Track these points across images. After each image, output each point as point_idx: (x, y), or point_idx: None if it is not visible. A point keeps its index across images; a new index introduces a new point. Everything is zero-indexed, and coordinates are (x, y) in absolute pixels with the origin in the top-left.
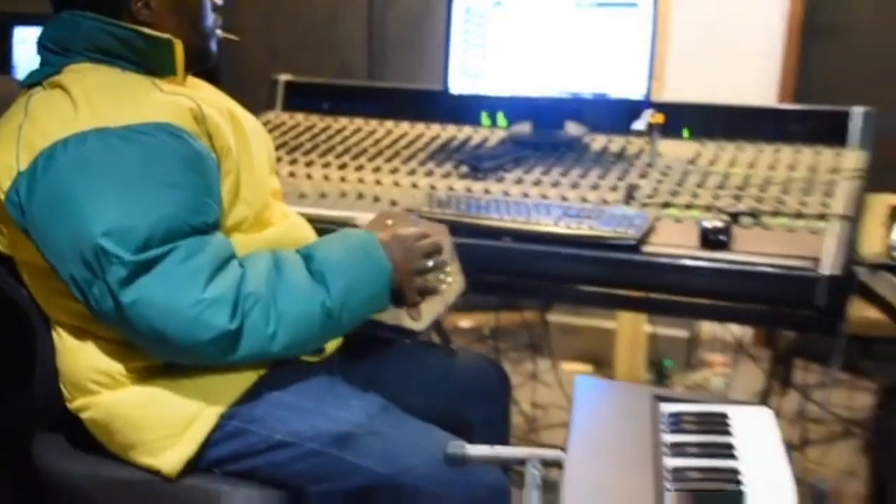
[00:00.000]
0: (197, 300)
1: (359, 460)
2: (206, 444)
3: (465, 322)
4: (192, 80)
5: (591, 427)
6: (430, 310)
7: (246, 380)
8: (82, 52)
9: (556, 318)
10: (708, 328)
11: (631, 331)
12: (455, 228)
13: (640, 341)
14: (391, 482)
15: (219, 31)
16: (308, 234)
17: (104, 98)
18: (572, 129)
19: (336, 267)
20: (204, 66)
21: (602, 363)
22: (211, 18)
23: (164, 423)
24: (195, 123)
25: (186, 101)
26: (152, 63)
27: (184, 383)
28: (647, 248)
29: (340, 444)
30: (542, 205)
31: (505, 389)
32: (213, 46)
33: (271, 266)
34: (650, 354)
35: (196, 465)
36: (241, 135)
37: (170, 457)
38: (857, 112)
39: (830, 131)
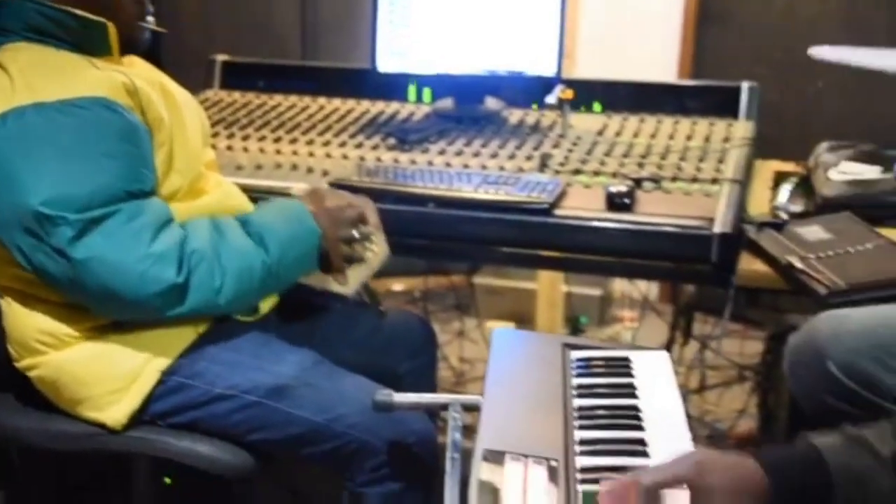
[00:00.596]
0: (144, 255)
1: (294, 410)
2: (150, 399)
3: (398, 286)
4: (127, 58)
5: (507, 374)
6: (356, 275)
7: (186, 338)
8: (19, 32)
9: (481, 280)
10: (619, 287)
11: (549, 290)
12: (383, 196)
13: (558, 300)
14: (324, 430)
15: (150, 19)
16: (242, 203)
17: (40, 74)
18: (491, 103)
19: (272, 229)
20: (134, 51)
21: (524, 321)
22: (139, 6)
23: (109, 380)
24: (128, 97)
25: (120, 76)
26: (86, 43)
27: (127, 342)
28: (558, 212)
29: (276, 396)
30: (464, 173)
31: (431, 343)
32: (144, 34)
33: (212, 229)
34: (567, 312)
35: (140, 418)
36: (174, 108)
37: (115, 411)
38: (746, 87)
39: (723, 105)
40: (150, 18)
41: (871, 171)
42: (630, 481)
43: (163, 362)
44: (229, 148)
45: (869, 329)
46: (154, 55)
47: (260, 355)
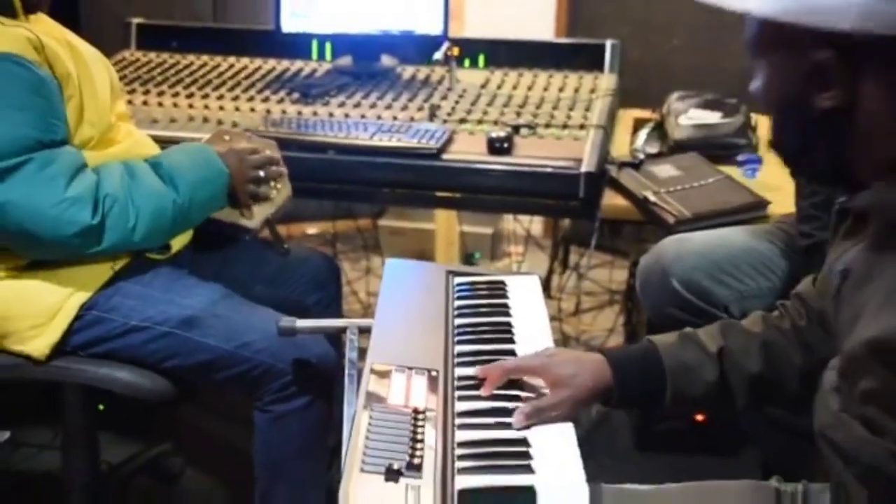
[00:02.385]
0: (60, 200)
1: (203, 339)
2: (70, 332)
3: (311, 229)
4: (34, 17)
5: (397, 299)
6: (262, 211)
7: (102, 275)
8: None
9: (385, 222)
10: (508, 225)
11: (446, 230)
12: (287, 145)
13: (454, 238)
14: (232, 356)
15: None
16: (151, 151)
17: None
18: (386, 60)
19: (182, 171)
20: (38, 9)
21: (425, 257)
22: None
23: (31, 315)
24: (36, 53)
25: (26, 32)
26: None
27: (47, 280)
28: (446, 156)
29: (187, 326)
30: (360, 123)
31: (335, 277)
32: None
33: (124, 172)
34: (462, 249)
35: (62, 349)
36: (81, 63)
37: (38, 343)
38: (609, 45)
39: (590, 60)
40: None
41: (713, 117)
42: (497, 365)
43: (81, 297)
44: (145, 103)
45: (706, 250)
46: (73, 18)
47: (171, 290)
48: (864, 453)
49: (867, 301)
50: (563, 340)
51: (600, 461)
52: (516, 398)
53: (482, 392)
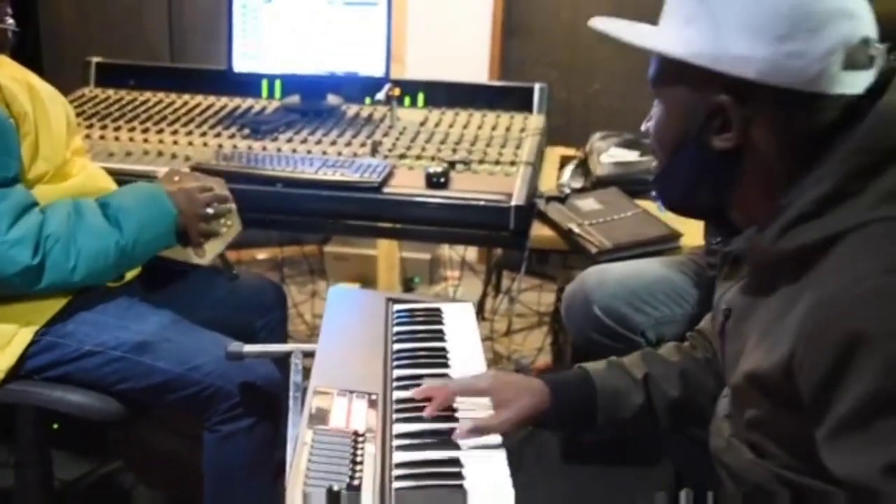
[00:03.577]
0: (2, 240)
1: (155, 362)
2: (25, 356)
3: (261, 255)
4: None
5: (340, 325)
6: (213, 248)
7: (58, 302)
8: None
9: (330, 249)
10: (445, 251)
11: (388, 256)
12: (238, 178)
13: (395, 264)
14: (183, 378)
15: (10, 21)
16: (107, 185)
17: None
18: (332, 99)
19: (128, 211)
20: (4, 52)
21: (367, 282)
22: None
23: None
24: None
25: None
26: None
27: (3, 306)
28: (386, 190)
29: (139, 350)
30: (307, 158)
31: (281, 302)
32: (8, 36)
33: (71, 211)
34: (403, 274)
35: (17, 373)
36: (39, 102)
37: None
38: (538, 87)
39: (521, 101)
40: (9, 21)
41: (631, 155)
42: (441, 386)
43: (37, 324)
44: (102, 138)
45: (625, 279)
46: (36, 57)
47: (124, 316)
48: (752, 475)
49: (747, 337)
50: (495, 359)
51: (529, 472)
52: (451, 419)
53: (425, 413)
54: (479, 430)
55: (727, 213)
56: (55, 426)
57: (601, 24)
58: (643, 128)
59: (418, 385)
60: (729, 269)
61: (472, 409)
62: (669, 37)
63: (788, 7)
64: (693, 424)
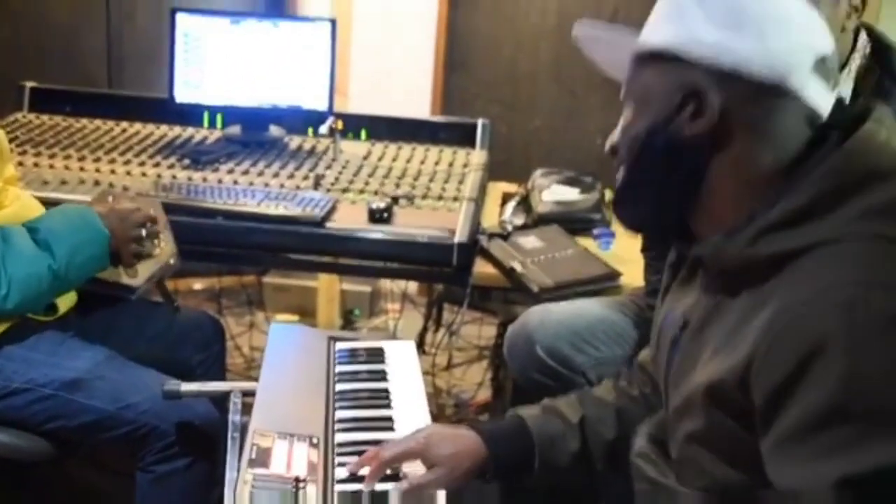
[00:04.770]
0: None
1: (88, 401)
2: None
3: (198, 285)
4: None
5: (281, 364)
6: (145, 269)
7: None
8: None
9: (269, 279)
10: (386, 284)
11: (328, 288)
12: (177, 210)
13: (335, 296)
14: (116, 417)
15: None
16: (40, 213)
17: None
18: (275, 131)
19: (59, 234)
20: None
21: (307, 314)
22: None
23: None
24: None
25: None
26: None
27: None
28: (329, 224)
29: (71, 388)
30: (249, 190)
31: (219, 337)
32: None
33: None
34: (343, 306)
35: None
36: None
37: None
38: (480, 123)
39: (463, 137)
40: None
41: (572, 193)
42: (373, 455)
43: None
44: (36, 165)
45: (567, 320)
46: None
47: (56, 353)
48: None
49: (704, 346)
50: (435, 394)
51: None
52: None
53: (364, 487)
54: (416, 488)
55: (688, 220)
56: None
57: (580, 30)
58: (607, 145)
59: (360, 427)
60: (682, 280)
61: (412, 463)
62: (647, 34)
63: (760, 7)
64: (628, 464)
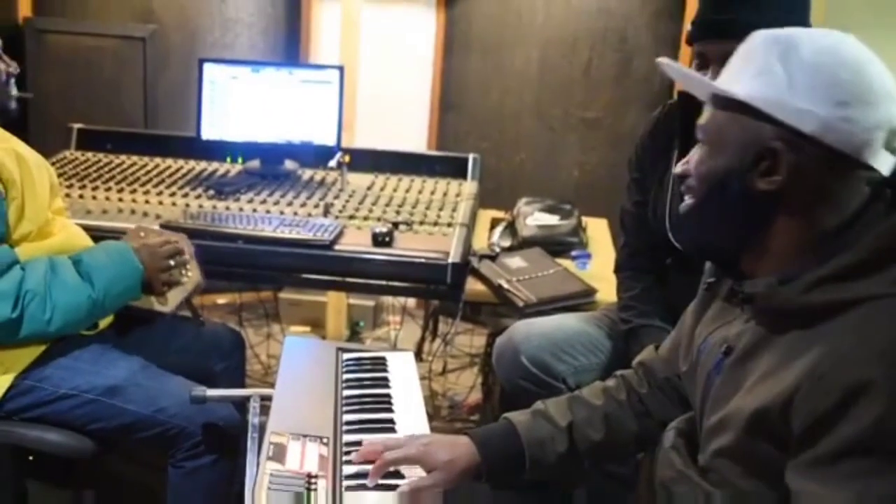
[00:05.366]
0: None
1: (125, 405)
2: (6, 399)
3: (221, 300)
4: None
5: (294, 372)
6: (175, 297)
7: (36, 349)
8: None
9: (284, 295)
10: (387, 299)
11: (336, 302)
12: (203, 235)
13: (342, 309)
14: (150, 419)
15: (14, 92)
16: (84, 242)
17: None
18: (289, 164)
19: (99, 268)
20: (3, 121)
21: (317, 325)
22: (8, 84)
23: None
24: None
25: None
26: None
27: None
28: (337, 247)
29: (110, 394)
30: (266, 217)
31: (240, 347)
32: (12, 105)
33: (48, 269)
34: (349, 318)
35: None
36: (26, 169)
37: None
38: (471, 157)
39: (456, 169)
40: (14, 92)
41: (553, 219)
42: (377, 452)
43: (17, 369)
44: (81, 196)
45: (549, 332)
46: (23, 124)
47: (97, 362)
48: (700, 500)
49: (748, 374)
50: (431, 396)
51: (459, 499)
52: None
53: (368, 482)
54: (415, 491)
55: (740, 256)
56: (30, 458)
57: (669, 69)
58: (678, 169)
59: (365, 428)
60: (720, 309)
61: (413, 466)
62: (739, 84)
63: (850, 78)
64: (612, 463)
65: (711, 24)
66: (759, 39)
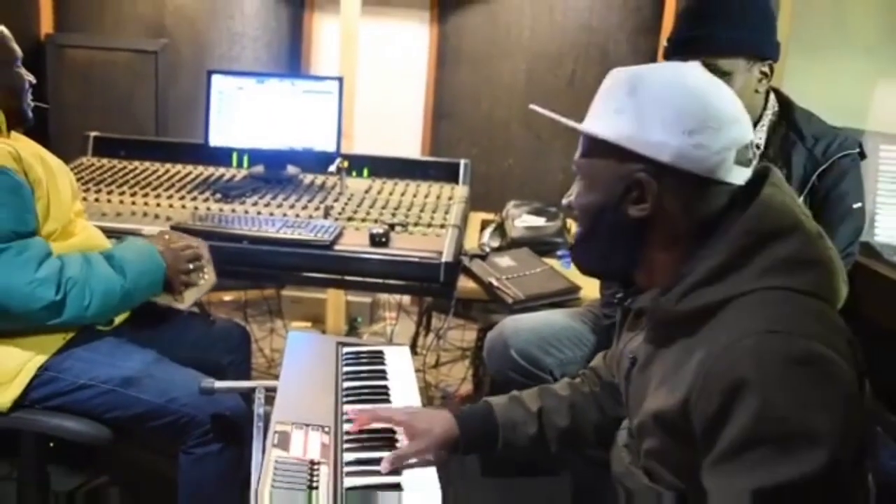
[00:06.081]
0: (31, 280)
1: (139, 395)
2: (29, 388)
3: (227, 297)
4: (14, 135)
5: (297, 365)
6: (191, 296)
7: (57, 342)
8: None
9: (286, 292)
10: (384, 296)
11: (335, 299)
12: (211, 235)
13: (341, 306)
14: (163, 409)
15: (31, 103)
16: (102, 242)
17: None
18: (291, 169)
19: (130, 263)
20: (24, 128)
21: (318, 321)
22: (26, 93)
23: None
24: (15, 163)
25: (8, 148)
26: None
27: (10, 346)
28: (336, 247)
29: (126, 385)
30: (269, 219)
31: (246, 342)
32: (30, 114)
33: (84, 261)
34: (348, 314)
35: (21, 403)
36: (49, 172)
37: (2, 397)
38: (463, 163)
39: (448, 174)
40: (31, 102)
41: (539, 221)
42: (371, 412)
43: (39, 360)
44: (97, 200)
45: (537, 327)
46: (43, 131)
47: (114, 354)
48: (646, 497)
49: (650, 381)
50: (426, 388)
51: (455, 486)
52: (392, 447)
53: (350, 428)
54: (398, 458)
55: (632, 274)
56: (51, 444)
57: (542, 110)
58: (564, 202)
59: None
60: (631, 322)
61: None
62: (601, 123)
63: (696, 107)
64: (577, 448)
65: (688, 41)
66: (613, 78)
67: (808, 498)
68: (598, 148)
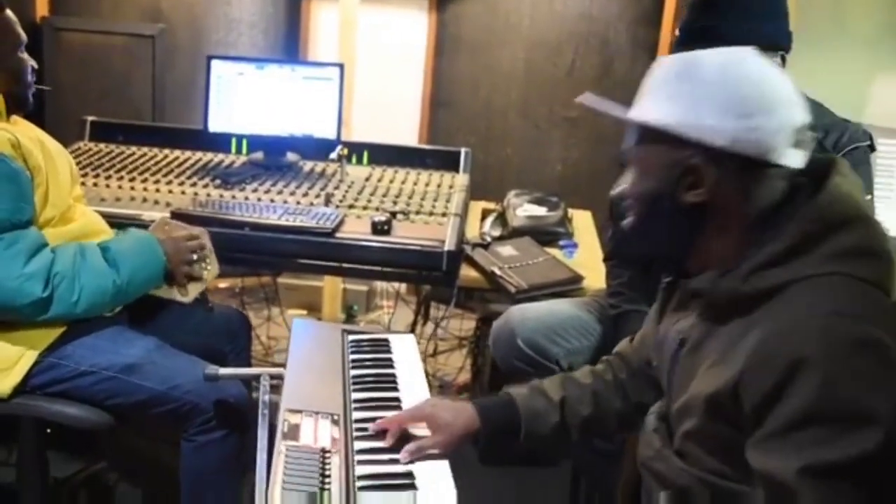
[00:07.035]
0: (19, 274)
1: (141, 382)
2: (30, 375)
3: (223, 284)
4: (13, 119)
5: (303, 353)
6: (194, 288)
7: (59, 329)
8: None
9: (283, 280)
10: (380, 284)
11: (332, 287)
12: (210, 222)
13: (338, 294)
14: (165, 396)
15: (33, 87)
16: (102, 228)
17: None
18: (291, 156)
19: (125, 256)
20: (24, 112)
21: (314, 309)
22: (29, 77)
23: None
24: (13, 149)
25: (7, 134)
26: None
27: (12, 331)
28: (338, 235)
29: (128, 371)
30: (270, 206)
31: (246, 329)
32: (31, 97)
33: (77, 252)
34: (344, 302)
35: (23, 389)
36: (49, 157)
37: (3, 384)
38: (463, 151)
39: (449, 163)
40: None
41: (541, 210)
42: (392, 419)
43: (40, 347)
44: (95, 185)
45: (543, 317)
46: (40, 116)
47: (116, 341)
48: (679, 479)
49: (701, 362)
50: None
51: (456, 474)
52: (406, 438)
53: (385, 443)
54: (418, 449)
55: (684, 259)
56: (48, 430)
57: (590, 101)
58: (613, 193)
59: (373, 407)
60: (677, 303)
61: (421, 430)
62: (654, 110)
63: (750, 90)
64: (598, 437)
65: (699, 31)
66: (665, 65)
67: (862, 477)
68: (651, 135)
